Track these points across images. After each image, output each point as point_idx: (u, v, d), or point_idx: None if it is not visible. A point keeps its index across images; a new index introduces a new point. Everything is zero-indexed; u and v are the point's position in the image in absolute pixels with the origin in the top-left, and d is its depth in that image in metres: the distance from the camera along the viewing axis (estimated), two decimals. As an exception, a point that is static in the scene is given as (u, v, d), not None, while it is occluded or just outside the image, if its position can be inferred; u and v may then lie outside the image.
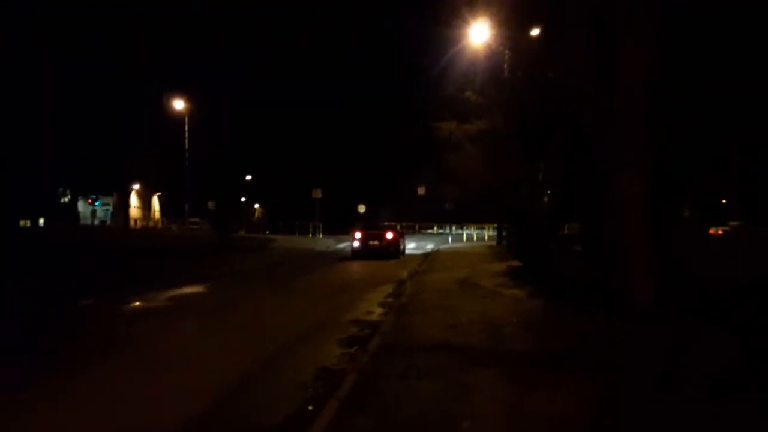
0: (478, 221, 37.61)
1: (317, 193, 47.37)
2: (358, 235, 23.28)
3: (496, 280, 14.05)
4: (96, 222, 48.03)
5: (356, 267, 20.41)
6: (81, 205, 51.04)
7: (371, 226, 25.09)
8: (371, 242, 22.97)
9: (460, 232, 38.47)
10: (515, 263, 17.26)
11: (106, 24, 24.51)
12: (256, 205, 67.87)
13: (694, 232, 13.86)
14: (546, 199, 19.58)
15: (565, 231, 21.88)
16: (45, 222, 33.75)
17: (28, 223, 40.40)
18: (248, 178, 66.97)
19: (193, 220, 47.17)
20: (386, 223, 29.62)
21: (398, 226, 30.34)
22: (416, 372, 6.07)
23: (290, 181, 60.37)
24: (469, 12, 21.13)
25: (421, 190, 47.57)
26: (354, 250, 23.15)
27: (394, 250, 23.20)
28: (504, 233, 27.61)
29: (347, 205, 52.93)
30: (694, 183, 11.93)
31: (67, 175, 34.43)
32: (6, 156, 24.30)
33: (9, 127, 23.90)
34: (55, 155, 26.32)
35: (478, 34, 21.63)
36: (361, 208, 50.47)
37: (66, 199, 46.29)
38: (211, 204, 49.30)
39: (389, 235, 23.25)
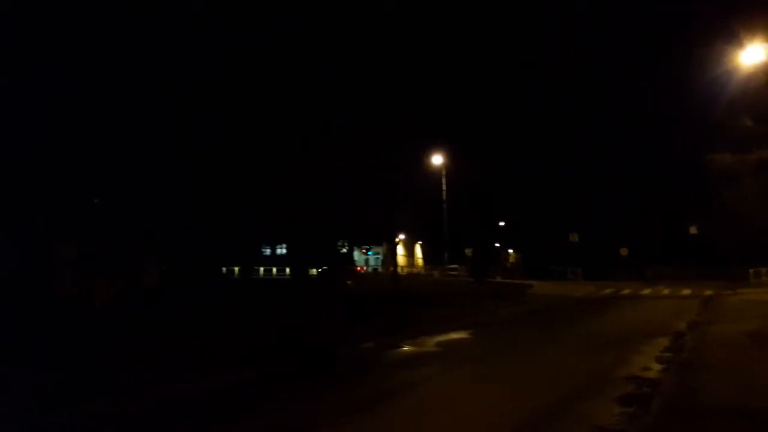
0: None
1: (574, 237, 46.11)
2: None
3: (800, 336, 12.10)
4: (369, 269, 53.25)
5: (625, 316, 19.27)
6: (356, 254, 57.26)
7: None
8: None
9: (744, 275, 33.67)
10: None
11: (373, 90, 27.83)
12: (510, 251, 68.11)
13: None
14: None
15: None
16: (328, 269, 38.92)
17: (314, 271, 46.36)
18: (501, 224, 67.82)
19: (451, 266, 49.26)
20: None
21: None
22: (709, 439, 5.61)
23: (544, 225, 59.49)
24: (742, 32, 19.23)
25: (692, 229, 43.25)
26: None
27: None
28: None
29: (608, 249, 50.30)
30: None
31: (345, 228, 38.94)
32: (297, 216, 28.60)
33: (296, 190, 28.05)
34: (334, 212, 30.05)
35: (752, 54, 19.47)
36: (624, 252, 47.67)
37: (344, 250, 52.13)
38: (468, 251, 51.16)
39: None
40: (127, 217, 21.42)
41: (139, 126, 20.88)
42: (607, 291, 32.95)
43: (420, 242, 66.82)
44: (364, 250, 56.48)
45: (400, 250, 57.82)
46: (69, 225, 19.20)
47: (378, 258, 57.03)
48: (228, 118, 24.34)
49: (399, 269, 42.02)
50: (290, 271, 43.05)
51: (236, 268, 44.16)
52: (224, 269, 42.08)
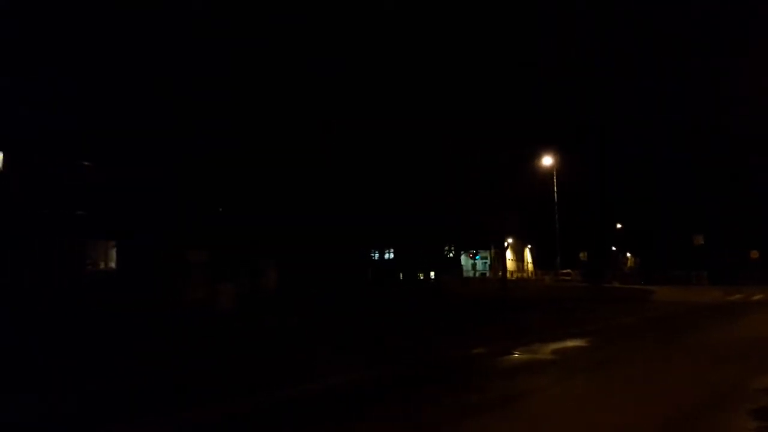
0: None
1: (699, 240, 43.28)
2: None
3: None
4: (476, 274, 52.90)
5: (757, 323, 17.85)
6: (463, 259, 56.99)
7: None
8: None
9: None
10: None
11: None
12: (628, 254, 64.88)
13: None
14: None
15: None
16: (435, 274, 39.02)
17: (421, 276, 46.68)
18: (618, 226, 64.69)
19: (564, 271, 47.72)
20: None
21: None
22: None
23: (665, 227, 56.14)
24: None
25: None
26: None
27: None
28: None
29: (735, 251, 46.81)
30: None
31: (452, 233, 38.94)
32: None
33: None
34: (441, 217, 30.25)
35: None
36: (754, 254, 44.34)
37: (451, 254, 52.10)
38: (582, 255, 49.36)
39: None
40: (248, 225, 22.66)
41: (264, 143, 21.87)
42: (736, 296, 30.68)
43: (529, 246, 65.21)
44: (471, 255, 56.10)
45: (509, 254, 56.83)
46: (198, 232, 20.61)
47: (485, 263, 56.45)
48: (346, 127, 25.04)
49: (508, 274, 41.37)
50: (399, 275, 43.83)
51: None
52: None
